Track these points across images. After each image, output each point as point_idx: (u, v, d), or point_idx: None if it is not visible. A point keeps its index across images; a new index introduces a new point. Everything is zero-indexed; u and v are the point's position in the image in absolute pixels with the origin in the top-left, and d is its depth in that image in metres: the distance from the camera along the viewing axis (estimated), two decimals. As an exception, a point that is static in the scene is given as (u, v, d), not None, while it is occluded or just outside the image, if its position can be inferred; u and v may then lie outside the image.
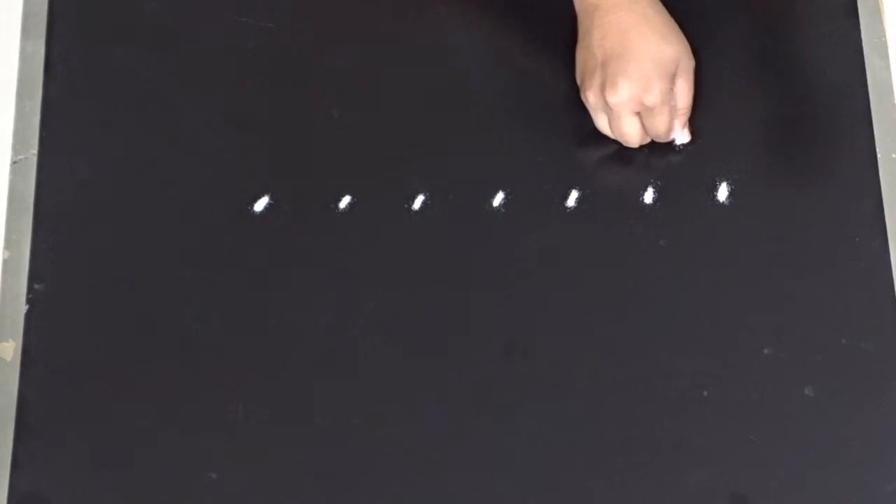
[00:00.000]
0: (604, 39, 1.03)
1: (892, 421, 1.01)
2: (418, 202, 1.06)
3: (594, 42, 1.03)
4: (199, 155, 1.08)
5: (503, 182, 1.07)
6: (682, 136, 1.07)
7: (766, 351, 1.02)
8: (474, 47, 1.11)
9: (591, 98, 1.04)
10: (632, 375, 1.02)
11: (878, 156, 1.08)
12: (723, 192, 1.07)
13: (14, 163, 1.08)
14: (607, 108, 1.03)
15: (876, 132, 1.09)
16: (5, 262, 1.05)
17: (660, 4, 1.05)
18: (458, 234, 1.05)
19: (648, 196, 1.06)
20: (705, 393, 1.01)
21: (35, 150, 1.08)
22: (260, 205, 1.06)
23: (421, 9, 1.13)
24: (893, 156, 1.08)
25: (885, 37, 1.12)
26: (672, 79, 1.03)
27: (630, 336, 1.03)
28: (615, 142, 1.07)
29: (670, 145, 1.08)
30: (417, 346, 1.03)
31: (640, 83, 1.01)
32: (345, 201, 1.06)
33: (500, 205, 1.06)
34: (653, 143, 1.07)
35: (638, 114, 1.04)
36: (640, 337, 1.03)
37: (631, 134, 1.04)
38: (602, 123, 1.06)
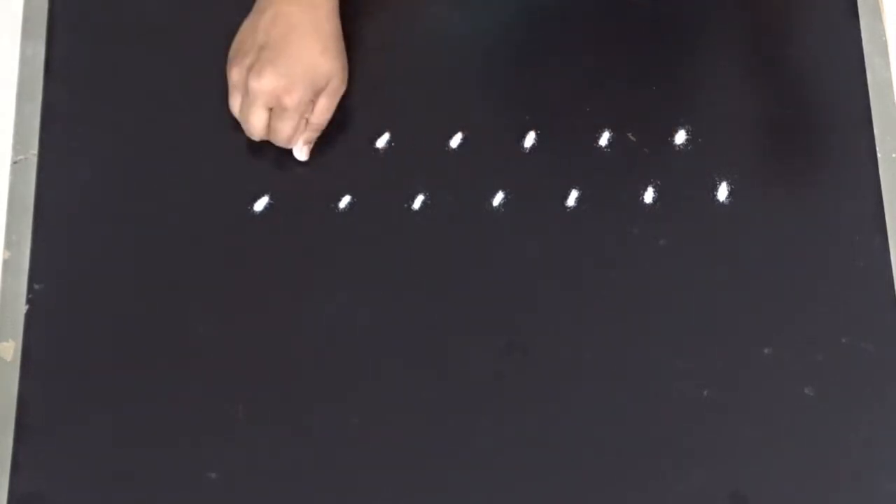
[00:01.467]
0: (272, 26, 1.02)
1: (892, 421, 1.01)
2: (418, 202, 1.06)
3: (262, 24, 1.02)
4: (199, 155, 1.08)
5: (503, 182, 1.07)
6: (299, 152, 1.06)
7: (766, 351, 1.02)
8: (473, 47, 1.12)
9: (234, 75, 1.03)
10: (632, 375, 1.02)
11: (878, 156, 1.08)
12: (723, 192, 1.07)
13: (14, 163, 1.08)
14: (244, 91, 1.03)
15: (876, 132, 1.09)
16: (5, 262, 1.05)
17: (336, 20, 1.04)
18: (458, 234, 1.05)
19: (648, 196, 1.06)
20: (705, 393, 1.01)
21: (35, 151, 1.09)
22: (260, 205, 1.06)
23: (419, 10, 1.13)
24: (893, 156, 1.08)
25: (885, 37, 1.12)
26: (316, 92, 1.03)
27: (630, 336, 1.03)
28: (615, 142, 1.07)
29: (669, 144, 1.07)
30: (417, 346, 1.03)
31: (284, 80, 1.01)
32: (345, 201, 1.06)
33: (499, 205, 1.06)
34: (653, 141, 1.07)
35: (271, 110, 1.03)
36: (640, 337, 1.03)
37: (255, 125, 1.04)
38: (234, 104, 1.05)
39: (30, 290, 1.04)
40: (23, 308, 1.04)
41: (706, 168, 1.07)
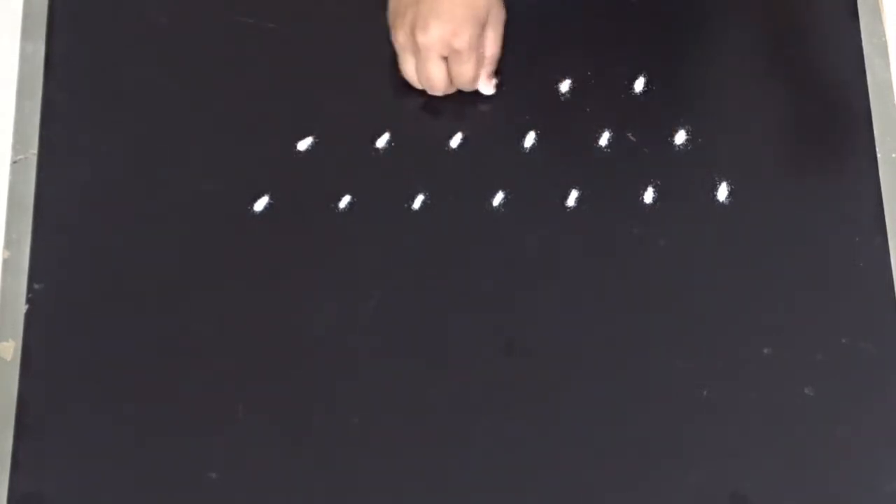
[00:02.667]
0: None
1: (892, 421, 1.01)
2: (418, 202, 1.06)
3: None
4: (200, 155, 1.08)
5: (503, 182, 1.07)
6: (486, 87, 1.07)
7: (766, 351, 1.02)
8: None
9: (400, 38, 1.04)
10: (632, 375, 1.02)
11: (878, 156, 1.08)
12: (723, 192, 1.07)
13: (14, 163, 1.08)
14: (416, 49, 1.03)
15: (876, 132, 1.09)
16: (5, 262, 1.05)
17: None
18: (458, 234, 1.05)
19: (648, 196, 1.06)
20: (705, 393, 1.01)
21: (35, 150, 1.08)
22: (260, 205, 1.06)
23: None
24: (893, 156, 1.08)
25: (885, 37, 1.12)
26: (482, 26, 1.03)
27: (630, 336, 1.03)
28: (615, 142, 1.07)
29: (669, 144, 1.07)
30: (417, 346, 1.03)
31: (450, 25, 1.01)
32: (345, 201, 1.06)
33: (499, 205, 1.06)
34: (653, 141, 1.07)
35: (445, 59, 1.04)
36: (640, 337, 1.03)
37: (437, 78, 1.04)
38: (408, 67, 1.05)
39: (30, 289, 1.04)
40: (23, 308, 1.04)
41: (706, 168, 1.07)
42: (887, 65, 1.11)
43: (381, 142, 1.08)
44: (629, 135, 1.08)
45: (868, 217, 1.06)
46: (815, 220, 1.06)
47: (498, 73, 1.07)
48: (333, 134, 1.08)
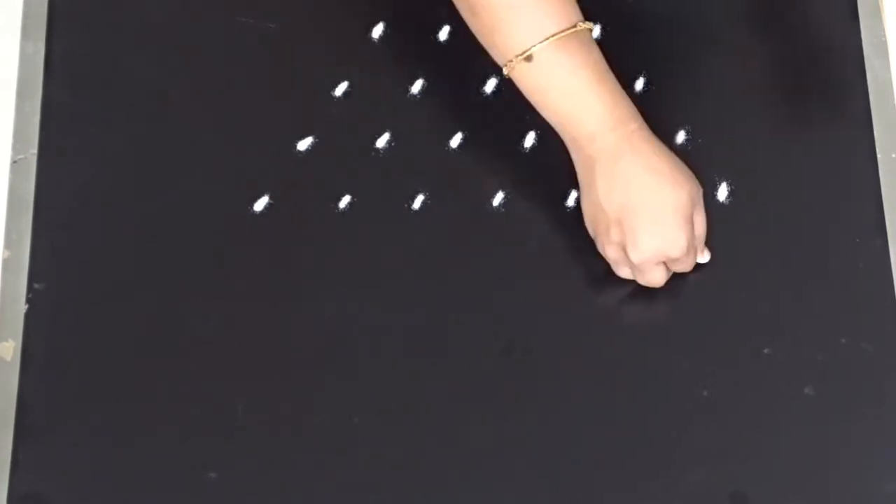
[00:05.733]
0: (611, 193, 0.98)
1: (892, 421, 1.01)
2: (418, 202, 1.06)
3: (601, 196, 0.99)
4: (199, 155, 1.08)
5: (503, 182, 1.07)
6: (704, 258, 1.04)
7: (766, 351, 1.02)
8: (473, 47, 1.11)
9: (611, 254, 1.01)
10: (631, 375, 1.02)
11: (878, 156, 1.08)
12: (723, 192, 1.07)
13: (14, 163, 1.08)
14: (630, 264, 1.01)
15: (876, 132, 1.09)
16: (5, 261, 1.05)
17: (659, 143, 1.00)
18: (458, 234, 1.05)
19: (648, 196, 1.06)
20: (705, 393, 1.01)
21: (35, 150, 1.08)
22: (260, 205, 1.06)
23: (419, 11, 1.13)
24: (893, 156, 1.08)
25: (885, 37, 1.12)
26: (691, 221, 1.00)
27: (630, 336, 1.03)
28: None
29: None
30: (417, 346, 1.03)
31: (663, 238, 0.98)
32: (345, 201, 1.06)
33: (499, 205, 1.06)
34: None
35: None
36: (640, 337, 1.03)
37: (659, 282, 1.02)
38: (624, 273, 1.03)
39: (30, 289, 1.04)
40: (23, 308, 1.04)
41: (706, 168, 1.07)
42: (887, 65, 1.11)
43: (381, 142, 1.08)
44: (629, 135, 1.08)
45: (868, 217, 1.06)
46: (815, 220, 1.06)
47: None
48: (333, 134, 1.08)
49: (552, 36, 0.96)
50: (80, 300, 1.04)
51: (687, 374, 1.02)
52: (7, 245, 1.06)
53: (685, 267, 1.02)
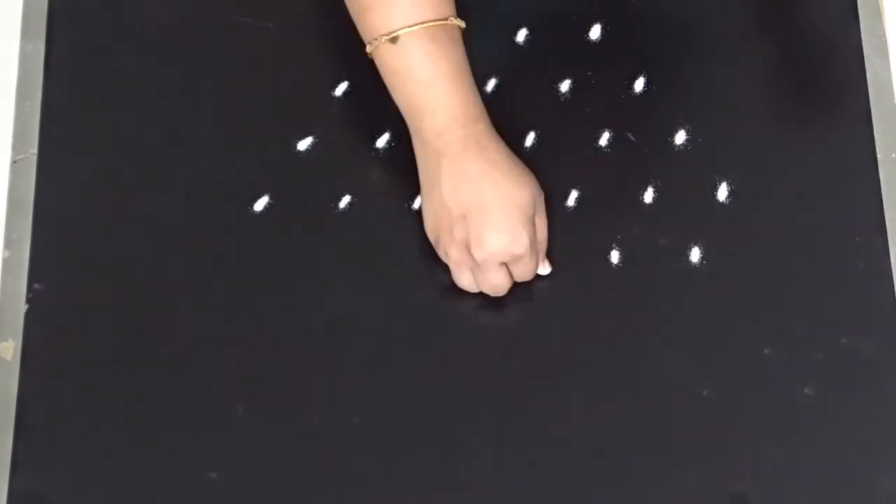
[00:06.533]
0: (457, 192, 0.98)
1: (892, 421, 1.01)
2: (418, 202, 1.06)
3: (446, 193, 0.99)
4: (199, 155, 1.08)
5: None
6: (545, 269, 1.03)
7: (766, 351, 1.02)
8: (473, 47, 1.11)
9: (453, 255, 1.00)
10: (631, 376, 1.02)
11: (878, 156, 1.08)
12: (723, 192, 1.07)
13: (14, 163, 1.08)
14: (473, 264, 1.00)
15: (876, 132, 1.09)
16: (5, 261, 1.05)
17: (503, 145, 1.01)
18: (458, 234, 1.05)
19: (648, 196, 1.06)
20: (705, 393, 1.01)
21: (35, 150, 1.09)
22: (260, 205, 1.06)
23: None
24: (893, 156, 1.08)
25: (885, 37, 1.12)
26: (533, 222, 1.00)
27: (630, 336, 1.03)
28: (615, 142, 1.07)
29: (669, 144, 1.08)
30: (417, 346, 1.03)
31: (507, 234, 0.98)
32: (345, 201, 1.06)
33: (500, 205, 1.06)
34: (653, 141, 1.07)
35: (504, 263, 1.00)
36: (640, 337, 1.03)
37: (501, 285, 1.01)
38: (464, 280, 1.02)
39: (30, 289, 1.04)
40: (23, 308, 1.04)
41: (706, 168, 1.07)
42: (887, 65, 1.11)
43: (381, 142, 1.08)
44: (629, 135, 1.08)
45: (868, 217, 1.06)
46: (815, 220, 1.06)
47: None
48: (333, 134, 1.08)
49: (422, 23, 0.97)
50: (80, 300, 1.04)
51: (687, 374, 1.02)
52: (7, 245, 1.06)
53: (526, 272, 1.01)
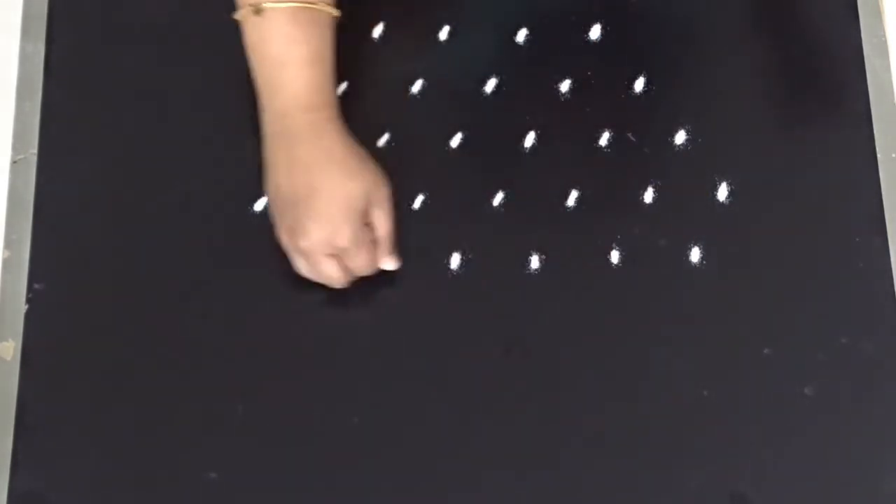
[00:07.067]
0: (291, 177, 0.98)
1: (892, 421, 1.01)
2: (418, 202, 1.06)
3: (281, 179, 0.99)
4: (199, 155, 1.08)
5: (503, 182, 1.07)
6: (389, 265, 1.03)
7: (766, 351, 1.02)
8: (474, 47, 1.11)
9: (284, 240, 1.00)
10: (631, 375, 1.02)
11: (878, 156, 1.08)
12: (723, 192, 1.07)
13: (14, 163, 1.08)
14: (301, 251, 1.00)
15: (876, 132, 1.09)
16: (5, 261, 1.05)
17: (346, 135, 1.01)
18: (457, 233, 1.05)
19: (648, 196, 1.06)
20: (705, 393, 1.01)
21: (35, 150, 1.09)
22: (260, 205, 1.06)
23: (419, 11, 1.13)
24: (893, 156, 1.08)
25: (885, 37, 1.12)
26: (363, 215, 0.99)
27: (630, 336, 1.03)
28: (615, 142, 1.07)
29: (669, 144, 1.08)
30: (417, 346, 1.03)
31: (329, 226, 0.97)
32: (345, 201, 1.06)
33: (499, 205, 1.06)
34: (653, 141, 1.07)
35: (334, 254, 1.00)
36: (640, 337, 1.03)
37: (332, 276, 1.00)
38: (301, 267, 1.01)
39: (30, 289, 1.04)
40: (23, 308, 1.04)
41: (706, 168, 1.07)
42: (887, 65, 1.11)
43: (382, 141, 1.08)
44: (629, 135, 1.08)
45: (868, 217, 1.06)
46: (815, 220, 1.06)
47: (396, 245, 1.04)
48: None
49: (289, 1, 0.97)
50: (80, 300, 1.04)
51: (687, 374, 1.02)
52: (7, 245, 1.06)
53: (360, 265, 1.01)
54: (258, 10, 0.98)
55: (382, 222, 1.01)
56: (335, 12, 1.01)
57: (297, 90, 0.99)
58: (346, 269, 1.01)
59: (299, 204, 0.98)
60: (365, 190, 1.00)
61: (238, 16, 1.00)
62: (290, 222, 0.99)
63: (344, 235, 0.98)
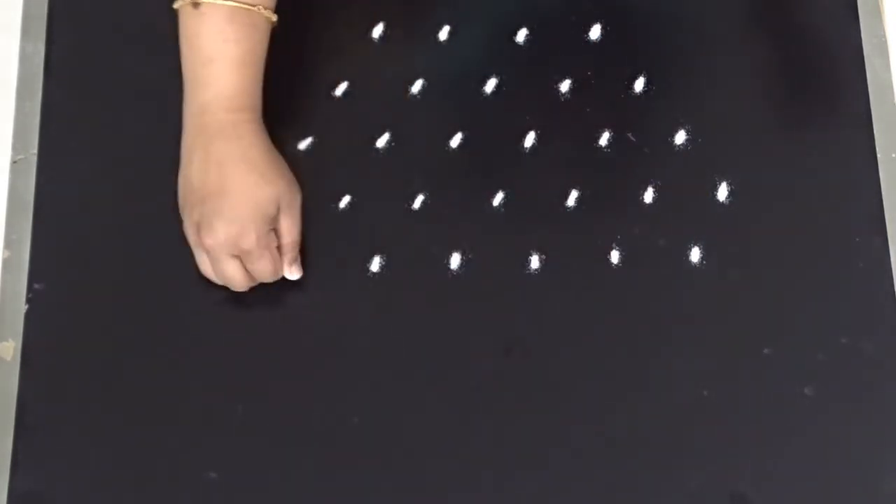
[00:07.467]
0: (204, 173, 0.98)
1: (892, 421, 1.01)
2: (418, 202, 1.06)
3: (194, 174, 0.99)
4: (199, 155, 1.08)
5: (503, 182, 1.06)
6: (291, 274, 1.02)
7: (766, 351, 1.02)
8: (474, 47, 1.11)
9: (189, 236, 1.00)
10: (632, 376, 1.02)
11: (878, 156, 1.08)
12: (723, 192, 1.07)
13: (14, 163, 1.08)
14: (205, 248, 0.99)
15: (876, 132, 1.09)
16: (5, 261, 1.05)
17: (265, 140, 1.01)
18: (457, 233, 1.05)
19: (648, 196, 1.06)
20: (705, 393, 1.01)
21: (35, 150, 1.09)
22: (260, 205, 1.06)
23: (420, 11, 1.13)
24: (893, 156, 1.08)
25: (885, 37, 1.12)
26: (271, 220, 0.99)
27: (630, 336, 1.03)
28: (615, 142, 1.07)
29: (669, 144, 1.08)
30: (417, 346, 1.03)
31: (235, 226, 0.97)
32: (345, 201, 1.06)
33: (499, 205, 1.06)
34: (653, 141, 1.07)
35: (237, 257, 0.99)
36: (640, 337, 1.03)
37: (233, 278, 1.00)
38: (203, 265, 1.01)
39: (29, 289, 1.04)
40: (23, 308, 1.04)
41: (706, 168, 1.07)
42: (887, 65, 1.11)
43: (381, 142, 1.08)
44: (629, 135, 1.08)
45: (868, 217, 1.06)
46: (815, 220, 1.06)
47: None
48: (333, 134, 1.08)
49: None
50: (80, 300, 1.04)
51: (687, 374, 1.02)
52: (7, 245, 1.06)
53: (261, 270, 1.00)
54: (196, 4, 0.98)
55: (289, 230, 1.01)
56: (273, 17, 1.01)
57: (222, 89, 0.99)
58: (247, 272, 1.00)
59: (208, 201, 0.98)
60: (276, 195, 1.00)
61: (176, 5, 1.00)
62: (198, 218, 0.99)
63: (249, 237, 0.98)
